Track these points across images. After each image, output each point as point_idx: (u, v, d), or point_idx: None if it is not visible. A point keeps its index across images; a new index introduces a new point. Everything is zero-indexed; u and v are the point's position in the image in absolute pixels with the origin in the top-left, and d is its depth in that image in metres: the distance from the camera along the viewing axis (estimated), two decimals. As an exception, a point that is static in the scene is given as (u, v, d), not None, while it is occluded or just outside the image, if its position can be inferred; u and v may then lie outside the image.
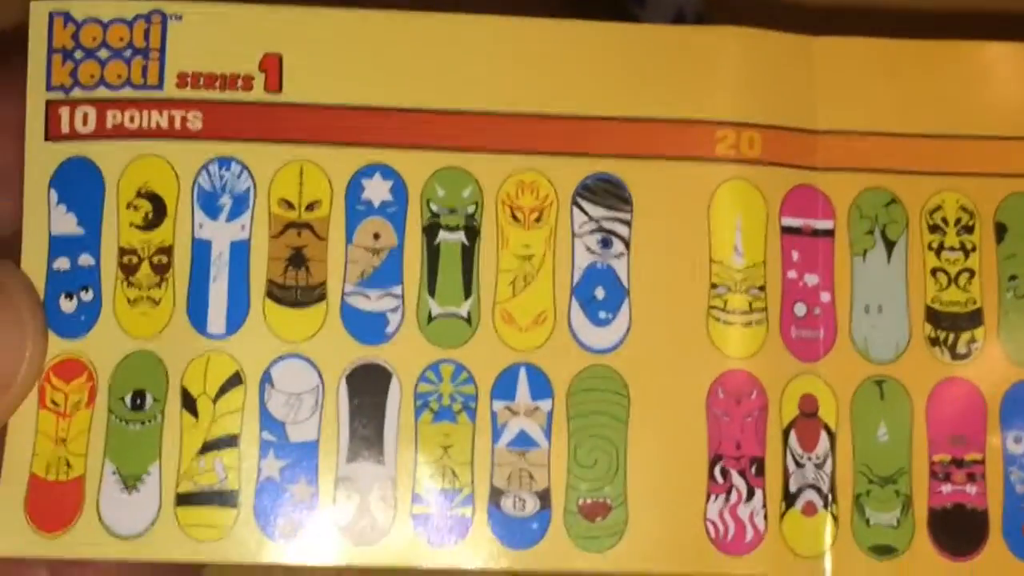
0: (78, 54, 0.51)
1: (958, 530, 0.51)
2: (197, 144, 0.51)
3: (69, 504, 0.49)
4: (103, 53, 0.51)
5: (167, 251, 0.50)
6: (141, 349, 0.50)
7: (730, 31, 0.53)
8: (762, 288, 0.51)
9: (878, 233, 0.52)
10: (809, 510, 0.51)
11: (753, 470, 0.51)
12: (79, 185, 0.50)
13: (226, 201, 0.50)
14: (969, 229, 0.52)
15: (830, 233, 0.52)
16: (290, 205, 0.51)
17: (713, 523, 0.50)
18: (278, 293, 0.50)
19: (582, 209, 0.51)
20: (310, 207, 0.51)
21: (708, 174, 0.52)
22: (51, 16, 0.51)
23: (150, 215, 0.50)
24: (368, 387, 0.50)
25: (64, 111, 0.51)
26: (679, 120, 0.52)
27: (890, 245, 0.52)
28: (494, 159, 0.51)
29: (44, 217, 0.50)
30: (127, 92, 0.51)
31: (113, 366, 0.50)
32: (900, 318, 0.52)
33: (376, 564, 0.49)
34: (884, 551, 0.50)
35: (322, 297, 0.50)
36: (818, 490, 0.51)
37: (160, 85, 0.51)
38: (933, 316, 0.52)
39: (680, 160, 0.52)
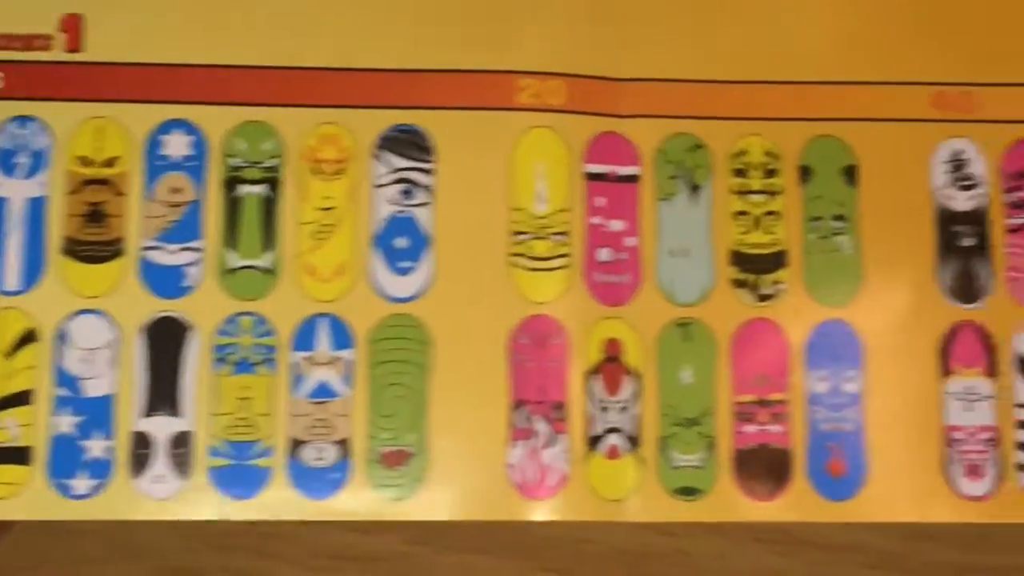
0: None
1: (762, 470, 0.51)
2: (-3, 103, 0.51)
3: None
4: (-97, 17, 0.52)
5: (-37, 210, 0.51)
6: (-62, 308, 0.50)
7: (533, -18, 0.53)
8: (565, 234, 0.52)
9: (683, 178, 0.53)
10: (613, 453, 0.51)
11: (556, 415, 0.51)
12: None
13: (23, 159, 0.51)
14: (774, 172, 0.53)
15: (635, 179, 0.53)
16: (88, 162, 0.51)
17: (516, 468, 0.51)
18: (75, 249, 0.51)
19: (384, 160, 0.52)
20: (109, 163, 0.51)
21: (510, 123, 0.52)
22: None
23: (-53, 175, 0.51)
24: (166, 341, 0.50)
25: None
26: (480, 71, 0.53)
27: (695, 189, 0.53)
28: (295, 113, 0.52)
29: None
30: (-73, 54, 0.51)
31: (-90, 325, 0.50)
32: (705, 261, 0.52)
33: (175, 518, 0.49)
34: (689, 492, 0.51)
35: (120, 252, 0.51)
36: (623, 433, 0.51)
37: (-40, 47, 0.51)
38: (738, 258, 0.52)
39: (482, 110, 0.52)
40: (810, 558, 0.52)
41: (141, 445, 0.49)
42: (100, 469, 0.49)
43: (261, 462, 0.49)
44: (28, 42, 0.51)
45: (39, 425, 0.49)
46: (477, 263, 0.51)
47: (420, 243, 0.51)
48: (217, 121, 0.51)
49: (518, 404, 0.51)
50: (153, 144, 0.51)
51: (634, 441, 0.51)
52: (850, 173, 0.53)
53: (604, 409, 0.51)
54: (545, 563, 0.52)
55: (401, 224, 0.51)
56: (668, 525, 0.54)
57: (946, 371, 0.52)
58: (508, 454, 0.50)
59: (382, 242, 0.51)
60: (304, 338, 0.50)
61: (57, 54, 0.51)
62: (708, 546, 0.52)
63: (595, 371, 0.51)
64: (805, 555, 0.52)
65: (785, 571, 0.52)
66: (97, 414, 0.49)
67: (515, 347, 0.51)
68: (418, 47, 0.52)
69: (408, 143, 0.52)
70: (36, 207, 0.50)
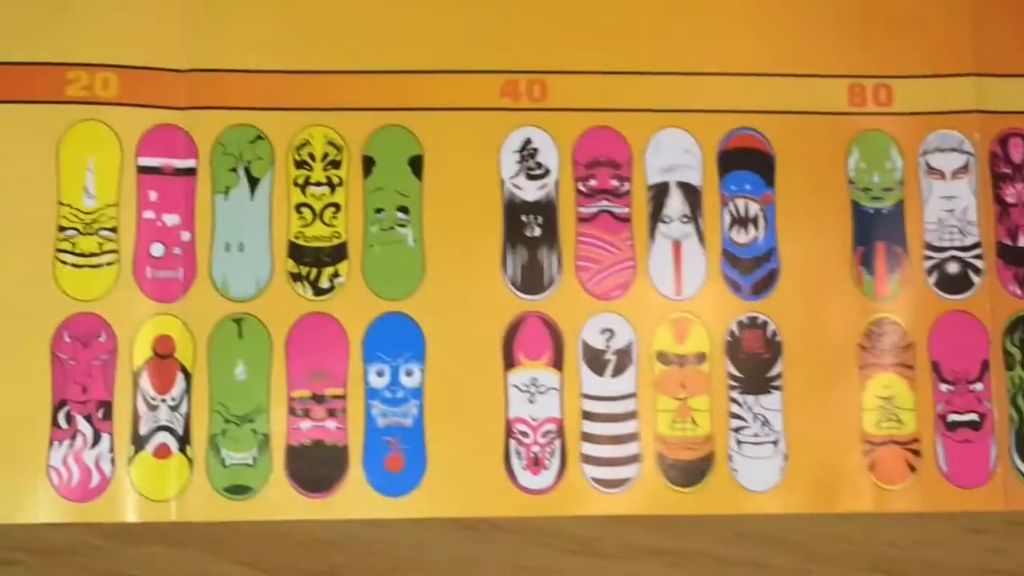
0: None
1: (316, 466, 0.52)
2: None
3: None
4: None
5: None
6: None
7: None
8: (114, 229, 0.52)
9: (242, 170, 0.53)
10: (162, 452, 0.51)
11: (100, 414, 0.51)
12: None
13: None
14: (337, 164, 0.53)
15: (192, 172, 0.53)
16: None
17: (57, 470, 0.51)
18: None
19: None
20: None
21: (57, 116, 0.53)
22: None
23: None
24: None
25: None
26: (27, 63, 0.53)
27: (254, 182, 0.53)
28: None
29: None
30: None
31: None
32: (262, 255, 0.52)
33: None
34: (239, 491, 0.51)
35: None
36: (172, 432, 0.51)
37: None
38: (296, 252, 0.53)
39: (28, 103, 0.52)
40: (507, 543, 0.52)
41: None
42: None
43: None
44: None
45: None
46: (19, 261, 0.51)
47: (-42, 241, 0.51)
48: None
49: (60, 404, 0.50)
50: None
51: (184, 440, 0.51)
52: (415, 164, 0.53)
53: (153, 408, 0.51)
54: (239, 555, 0.51)
55: (-62, 222, 0.51)
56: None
57: (510, 363, 0.52)
58: (49, 456, 0.50)
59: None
60: None
61: None
62: (407, 535, 0.52)
63: (144, 369, 0.51)
64: (502, 540, 0.53)
65: (482, 558, 0.52)
66: None
67: (58, 346, 0.51)
68: (-39, 40, 0.52)
69: (-51, 138, 0.51)
70: None
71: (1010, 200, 0.55)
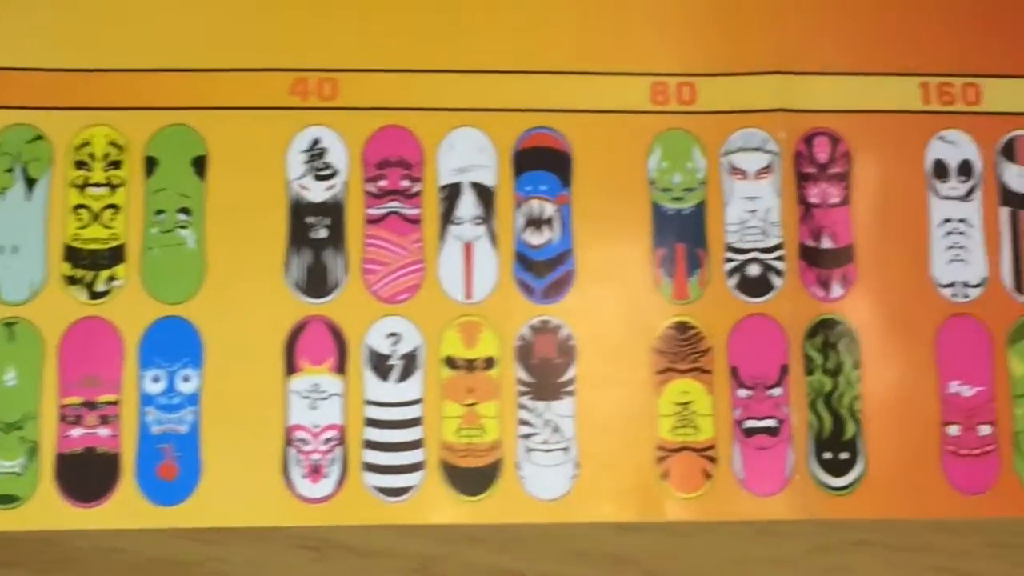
0: None
1: (87, 475, 0.52)
2: None
3: None
4: None
5: None
6: None
7: None
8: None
9: (19, 171, 0.54)
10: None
11: None
12: None
13: None
14: (118, 164, 0.54)
15: (-30, 174, 0.53)
16: None
17: None
18: None
19: None
20: None
21: None
22: None
23: None
24: None
25: None
26: None
27: (31, 183, 0.54)
28: None
29: None
30: None
31: None
32: (37, 258, 0.53)
33: None
34: (7, 500, 0.52)
35: None
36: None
37: None
38: (72, 254, 0.53)
39: None
40: (348, 564, 0.53)
41: None
42: None
43: None
44: None
45: None
46: None
47: None
48: None
49: None
50: None
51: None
52: (199, 164, 0.53)
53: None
54: (76, 575, 0.52)
55: None
56: (204, 532, 0.54)
57: (292, 368, 0.53)
58: None
59: None
60: None
61: None
62: (245, 553, 0.53)
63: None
64: (343, 561, 0.54)
65: (321, 576, 0.52)
66: None
67: None
68: None
69: None
70: None
71: (814, 200, 0.55)
